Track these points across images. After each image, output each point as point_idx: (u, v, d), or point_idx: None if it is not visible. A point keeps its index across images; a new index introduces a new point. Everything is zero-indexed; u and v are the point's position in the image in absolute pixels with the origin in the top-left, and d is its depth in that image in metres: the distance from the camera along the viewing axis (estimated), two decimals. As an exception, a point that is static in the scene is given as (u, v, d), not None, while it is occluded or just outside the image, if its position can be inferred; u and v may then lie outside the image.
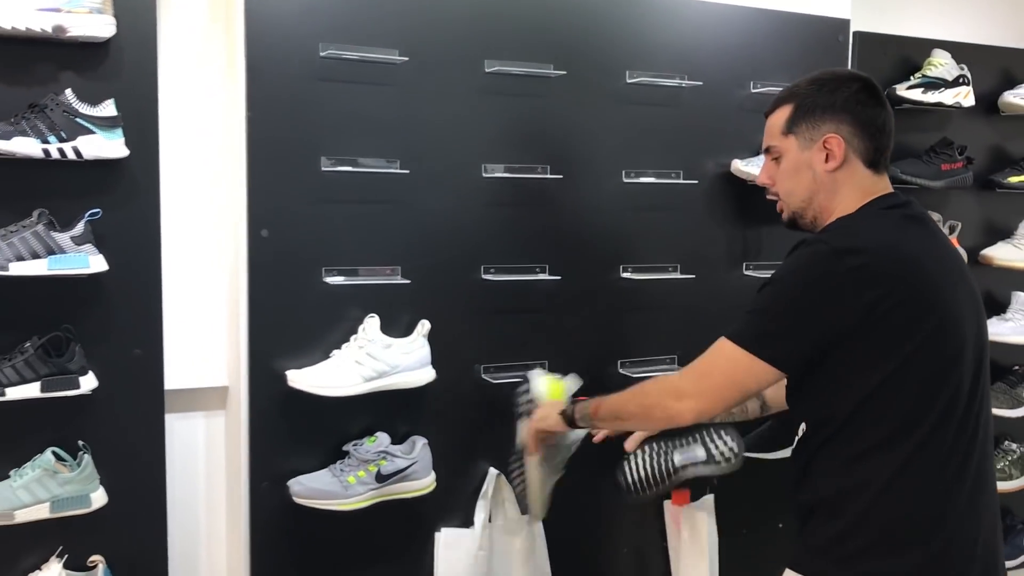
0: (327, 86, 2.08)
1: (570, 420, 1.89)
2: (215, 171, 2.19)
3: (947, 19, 3.20)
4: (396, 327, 2.15)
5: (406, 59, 2.12)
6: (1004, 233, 3.16)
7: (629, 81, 2.38)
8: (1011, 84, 3.11)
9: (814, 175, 1.66)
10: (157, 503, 2.10)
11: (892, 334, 1.51)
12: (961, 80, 2.91)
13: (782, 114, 1.69)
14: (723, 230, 2.55)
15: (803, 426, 1.70)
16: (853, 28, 2.78)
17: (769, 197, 1.76)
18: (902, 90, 2.85)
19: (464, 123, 2.22)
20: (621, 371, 2.42)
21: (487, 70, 2.22)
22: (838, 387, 1.56)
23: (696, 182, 2.47)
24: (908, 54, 2.99)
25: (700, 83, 2.44)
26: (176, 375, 2.12)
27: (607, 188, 2.38)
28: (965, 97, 2.93)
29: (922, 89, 2.85)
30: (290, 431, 2.10)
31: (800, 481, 1.64)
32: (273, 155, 2.05)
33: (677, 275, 2.46)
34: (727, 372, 1.58)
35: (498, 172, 2.24)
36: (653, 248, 2.45)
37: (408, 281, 2.15)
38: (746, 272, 2.57)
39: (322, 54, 2.06)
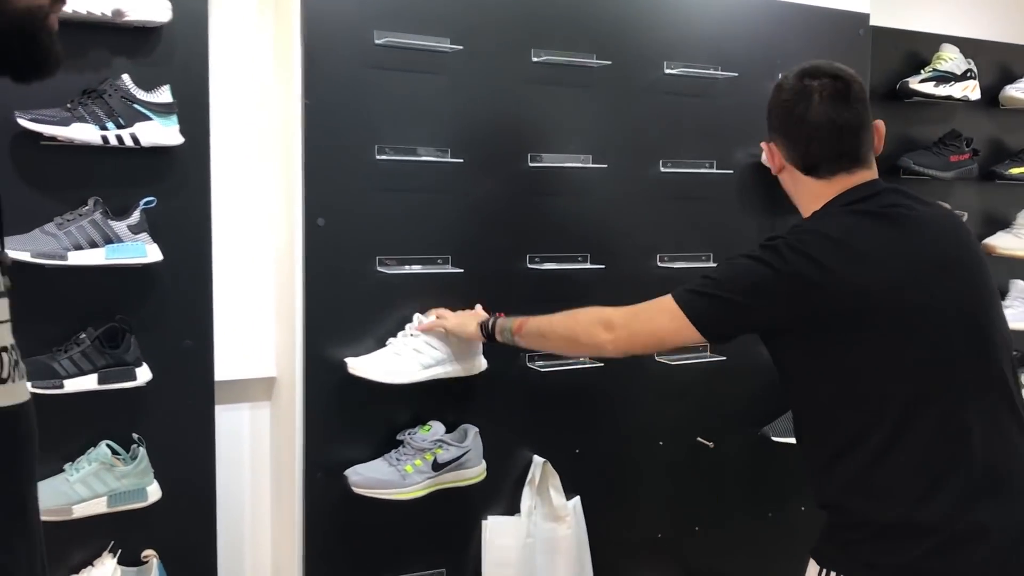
0: (381, 74, 2.07)
1: (488, 333, 1.96)
2: (266, 160, 2.16)
3: (944, 14, 3.28)
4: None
5: (459, 48, 2.12)
6: (1004, 223, 3.26)
7: (667, 72, 2.40)
8: (1010, 78, 3.21)
9: (781, 176, 1.74)
10: (207, 497, 2.07)
11: (826, 336, 1.53)
12: (968, 74, 3.00)
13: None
14: (754, 220, 2.59)
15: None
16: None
17: None
18: (915, 83, 2.92)
19: (511, 112, 2.22)
20: (658, 360, 2.44)
21: (534, 59, 2.22)
22: (793, 386, 1.63)
23: (731, 171, 2.50)
24: (917, 48, 3.07)
25: (735, 74, 2.48)
26: (224, 366, 2.09)
27: (645, 177, 2.41)
28: (972, 91, 3.02)
29: (934, 83, 2.93)
30: (343, 421, 2.09)
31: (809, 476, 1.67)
32: (329, 143, 2.03)
33: (710, 263, 2.50)
34: (655, 318, 1.69)
35: (543, 162, 2.25)
36: (687, 237, 2.49)
37: (460, 270, 2.15)
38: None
39: (377, 42, 2.05)
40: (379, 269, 2.09)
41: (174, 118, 1.92)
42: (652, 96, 2.40)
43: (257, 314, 2.19)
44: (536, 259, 2.26)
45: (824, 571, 1.58)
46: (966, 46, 3.05)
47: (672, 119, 2.44)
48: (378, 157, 2.07)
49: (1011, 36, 3.29)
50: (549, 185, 2.28)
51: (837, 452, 1.56)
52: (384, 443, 2.13)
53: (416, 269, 2.12)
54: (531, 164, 2.24)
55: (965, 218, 3.07)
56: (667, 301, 1.66)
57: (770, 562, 2.65)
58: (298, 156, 2.02)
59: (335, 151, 2.04)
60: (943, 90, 2.93)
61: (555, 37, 2.25)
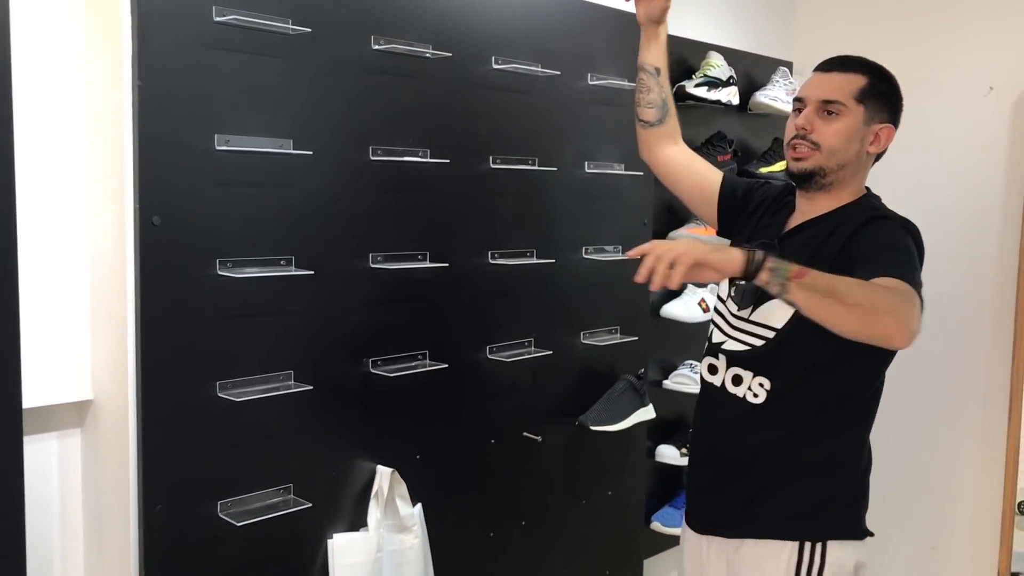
0: (221, 55, 1.85)
1: (756, 265, 1.56)
2: (79, 150, 1.85)
3: (696, 21, 3.54)
4: (291, 315, 1.99)
5: (306, 30, 1.95)
6: (751, 217, 3.59)
7: (495, 67, 2.37)
8: (756, 85, 3.54)
9: (860, 150, 1.88)
10: (15, 546, 1.74)
11: None
12: (731, 80, 3.26)
13: (856, 80, 1.85)
14: (575, 216, 2.64)
15: (767, 388, 1.89)
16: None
17: (795, 142, 1.88)
18: (691, 87, 3.13)
19: (353, 101, 2.08)
20: (489, 356, 2.42)
21: (375, 47, 2.10)
22: (863, 361, 1.79)
23: (554, 168, 2.53)
24: (684, 54, 3.28)
25: (557, 72, 2.50)
26: (30, 391, 1.77)
27: (476, 173, 2.37)
28: (734, 96, 3.29)
29: (707, 87, 3.15)
30: (187, 445, 1.86)
31: (781, 445, 1.85)
32: (165, 131, 1.78)
33: (533, 260, 2.52)
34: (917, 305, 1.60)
35: (384, 155, 2.13)
36: (513, 233, 2.48)
37: (309, 272, 1.99)
38: (585, 256, 2.68)
39: (217, 19, 1.83)
40: (220, 273, 1.87)
41: (-24, 98, 1.59)
42: (481, 91, 2.36)
43: (68, 329, 1.87)
44: (378, 258, 2.15)
45: (812, 545, 1.85)
46: (726, 55, 3.32)
47: (498, 115, 2.41)
48: (218, 148, 1.85)
49: (750, 46, 3.63)
50: (390, 180, 2.17)
51: (861, 415, 1.90)
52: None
53: (259, 272, 1.92)
54: (372, 158, 2.12)
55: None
56: (905, 286, 1.58)
57: (583, 546, 2.74)
58: (128, 146, 1.75)
59: (171, 140, 1.79)
60: (714, 95, 3.16)
61: (394, 24, 2.14)
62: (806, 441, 1.89)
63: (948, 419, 3.55)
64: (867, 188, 1.96)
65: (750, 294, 1.93)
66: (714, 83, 3.18)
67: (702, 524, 2.05)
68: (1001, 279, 3.42)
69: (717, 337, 2.03)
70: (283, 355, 2.00)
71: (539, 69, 2.47)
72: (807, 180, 1.89)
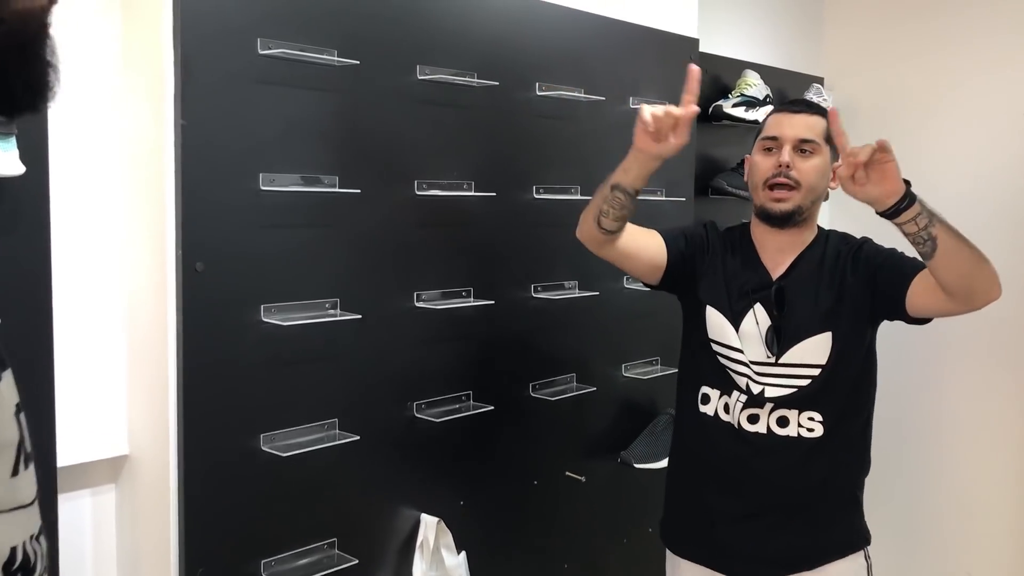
0: (266, 90, 1.75)
1: (911, 194, 1.71)
2: (117, 192, 1.75)
3: (730, 37, 3.45)
4: (336, 359, 1.89)
5: (353, 62, 1.84)
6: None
7: (539, 94, 2.28)
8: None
9: (826, 187, 1.99)
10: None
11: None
12: (768, 99, 3.17)
13: (820, 122, 1.96)
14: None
15: (800, 422, 1.97)
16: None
17: (776, 180, 1.92)
18: (728, 107, 3.04)
19: (399, 134, 1.99)
20: (533, 395, 2.33)
21: (420, 77, 2.00)
22: (868, 376, 2.02)
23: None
24: (717, 71, 3.19)
25: (603, 98, 2.41)
26: (64, 448, 1.67)
27: (520, 204, 2.27)
28: (770, 115, 3.20)
29: (744, 107, 3.06)
30: (232, 504, 1.76)
31: (846, 466, 2.02)
32: (209, 173, 1.68)
33: (575, 292, 2.42)
34: None
35: (430, 190, 2.04)
36: (559, 265, 2.39)
37: (357, 316, 1.88)
38: (627, 286, 2.59)
39: (262, 52, 1.73)
40: (265, 319, 1.77)
41: (13, 140, 1.48)
42: (525, 118, 2.26)
43: (103, 383, 1.77)
44: (423, 297, 2.05)
45: (866, 548, 2.05)
46: (761, 72, 3.23)
47: (542, 142, 2.32)
48: (263, 188, 1.75)
49: (780, 62, 3.54)
50: (435, 215, 2.07)
51: (868, 433, 2.06)
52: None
53: (305, 319, 1.82)
54: (418, 192, 2.02)
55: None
56: None
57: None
58: (170, 188, 1.65)
59: (215, 181, 1.69)
60: (751, 114, 3.07)
61: (440, 53, 2.04)
62: (859, 456, 2.05)
63: (984, 443, 3.47)
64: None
65: (777, 338, 1.98)
66: (751, 103, 3.09)
67: (766, 569, 2.01)
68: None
69: (754, 387, 2.00)
70: (328, 402, 1.90)
71: (582, 95, 2.37)
72: (787, 220, 1.96)
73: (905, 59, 3.62)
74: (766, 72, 3.27)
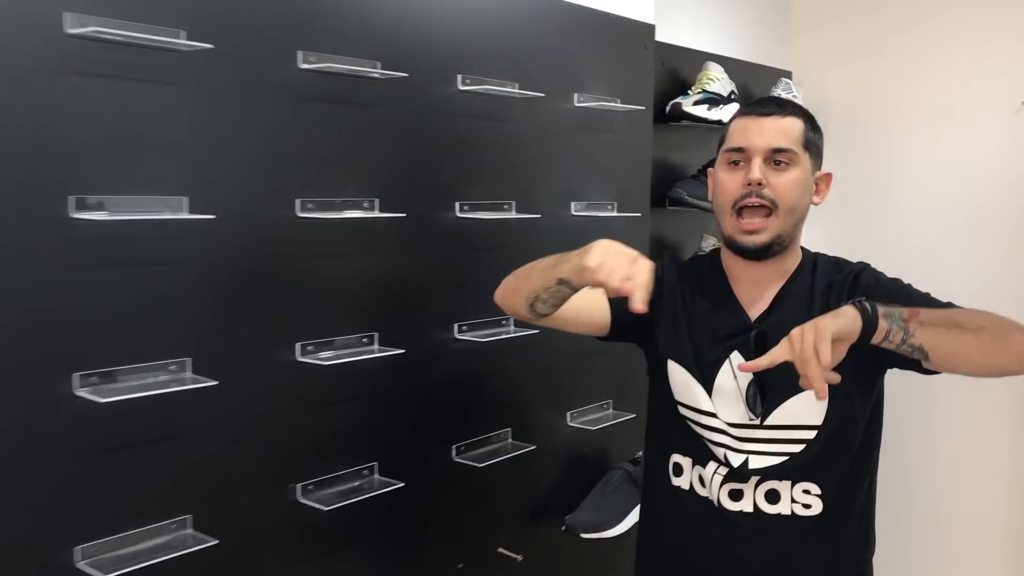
0: (77, 83, 1.29)
1: (872, 315, 1.37)
2: None
3: (687, 26, 3.05)
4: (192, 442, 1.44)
5: (209, 46, 1.39)
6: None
7: (461, 88, 1.84)
8: (752, 100, 3.05)
9: (808, 203, 1.62)
10: None
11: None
12: (732, 96, 2.77)
13: (796, 124, 1.58)
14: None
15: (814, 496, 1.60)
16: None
17: (747, 202, 1.54)
18: (687, 105, 2.63)
19: (274, 142, 1.54)
20: (457, 459, 1.89)
21: (302, 66, 1.55)
22: (873, 435, 1.66)
23: (539, 216, 2.00)
24: (676, 64, 2.79)
25: (542, 94, 1.98)
26: None
27: (440, 225, 1.84)
28: (735, 114, 2.79)
29: (707, 106, 2.66)
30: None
31: (852, 541, 1.66)
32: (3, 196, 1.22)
33: (511, 330, 1.99)
34: None
35: (320, 211, 1.59)
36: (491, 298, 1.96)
37: (214, 382, 1.43)
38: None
39: (71, 31, 1.27)
40: (79, 393, 1.31)
41: None
42: (444, 119, 1.82)
43: None
44: (308, 348, 1.60)
45: None
46: (729, 66, 2.83)
47: (466, 148, 1.88)
48: (74, 215, 1.29)
49: (745, 54, 3.14)
50: (323, 242, 1.63)
51: (872, 501, 1.70)
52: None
53: (137, 390, 1.36)
54: (300, 214, 1.57)
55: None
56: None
57: None
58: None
59: (9, 205, 1.23)
60: (714, 113, 2.67)
61: (329, 37, 1.60)
62: (864, 532, 1.69)
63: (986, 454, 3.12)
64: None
65: (760, 395, 1.59)
66: (714, 100, 2.68)
67: None
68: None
69: (734, 457, 1.61)
70: (172, 497, 1.44)
71: (516, 90, 1.94)
72: (763, 254, 1.58)
73: (878, 52, 3.26)
74: (730, 65, 2.87)
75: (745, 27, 3.24)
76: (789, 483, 1.59)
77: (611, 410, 2.30)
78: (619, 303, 1.67)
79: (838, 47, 3.37)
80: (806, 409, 1.56)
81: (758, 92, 3.09)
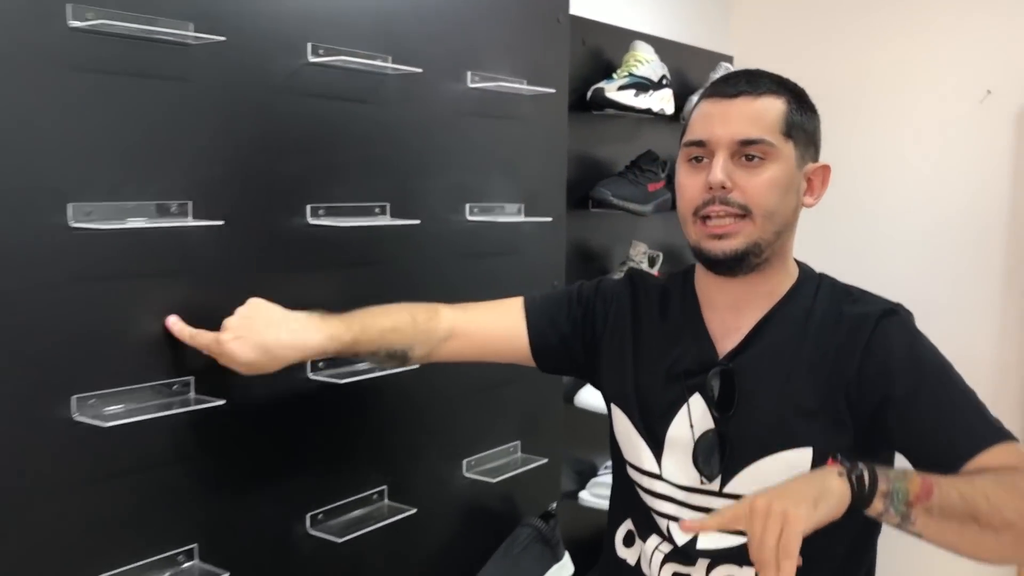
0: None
1: (868, 492, 1.04)
2: None
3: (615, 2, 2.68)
4: None
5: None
6: (686, 260, 2.76)
7: (312, 60, 1.44)
8: (688, 87, 2.70)
9: (796, 205, 1.27)
10: None
11: None
12: (664, 81, 2.41)
13: (775, 105, 1.23)
14: (443, 288, 1.73)
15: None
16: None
17: (710, 210, 1.22)
18: (612, 91, 2.26)
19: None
20: (312, 531, 1.49)
21: (73, 23, 1.14)
22: None
23: (418, 222, 1.61)
24: (600, 44, 2.41)
25: (420, 70, 1.58)
26: None
27: (283, 234, 1.43)
28: (668, 102, 2.44)
29: (634, 91, 2.28)
30: None
31: None
32: None
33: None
34: None
35: (90, 221, 1.18)
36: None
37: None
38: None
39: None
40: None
41: None
42: (290, 99, 1.42)
43: None
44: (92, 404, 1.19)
45: None
46: (660, 47, 2.47)
47: (321, 137, 1.48)
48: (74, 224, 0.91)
49: (678, 34, 2.78)
50: (107, 258, 1.22)
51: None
52: None
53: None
54: (75, 224, 1.16)
55: (660, 259, 2.53)
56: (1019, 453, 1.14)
57: None
58: None
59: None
60: (642, 100, 2.30)
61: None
62: None
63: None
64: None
65: (720, 452, 1.24)
66: (643, 85, 2.31)
67: None
68: (1010, 296, 2.70)
69: (678, 533, 1.27)
70: None
71: (388, 64, 1.54)
72: (737, 265, 1.24)
73: (829, 37, 2.94)
74: (662, 47, 2.51)
75: (681, 5, 2.89)
76: (752, 572, 1.21)
77: (519, 454, 1.92)
78: (544, 332, 1.41)
79: (784, 31, 3.04)
80: (781, 474, 1.17)
81: (694, 78, 2.74)
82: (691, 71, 2.73)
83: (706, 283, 1.32)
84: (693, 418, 1.26)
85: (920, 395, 1.18)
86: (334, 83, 1.48)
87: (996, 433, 1.16)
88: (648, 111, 2.33)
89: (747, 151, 1.21)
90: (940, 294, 2.68)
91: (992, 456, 1.12)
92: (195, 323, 1.26)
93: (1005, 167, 2.69)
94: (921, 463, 1.16)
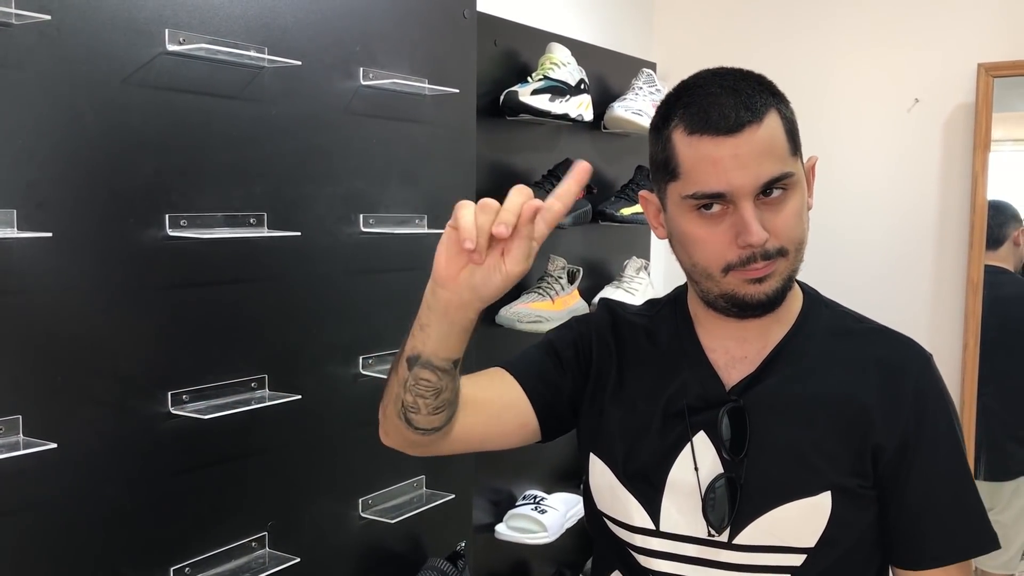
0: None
1: None
2: None
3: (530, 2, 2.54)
4: None
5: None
6: (609, 276, 2.62)
7: (170, 49, 1.26)
8: (608, 94, 2.57)
9: (808, 215, 1.10)
10: None
11: None
12: (583, 86, 2.27)
13: (775, 123, 1.05)
14: (332, 310, 1.55)
15: None
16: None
17: (755, 267, 1.04)
18: (526, 95, 2.10)
19: None
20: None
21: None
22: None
23: (298, 234, 1.43)
24: (514, 46, 2.26)
25: (297, 63, 1.41)
26: None
27: (142, 249, 1.24)
28: (586, 108, 2.30)
29: (549, 96, 2.14)
30: None
31: None
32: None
33: (265, 395, 1.41)
34: None
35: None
36: (226, 357, 1.37)
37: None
38: (364, 371, 1.60)
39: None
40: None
41: None
42: (146, 94, 1.23)
43: None
44: None
45: None
46: (576, 50, 2.33)
47: (183, 139, 1.30)
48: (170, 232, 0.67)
49: (598, 39, 2.65)
50: None
51: None
52: None
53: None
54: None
55: (581, 275, 2.38)
56: None
57: None
58: None
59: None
60: (558, 106, 2.15)
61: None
62: None
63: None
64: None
65: (730, 499, 1.09)
66: (559, 89, 2.17)
67: None
68: (942, 314, 2.61)
69: None
70: None
71: (265, 56, 1.37)
72: (775, 305, 1.08)
73: (752, 44, 2.83)
74: (581, 50, 2.37)
75: (602, 8, 2.76)
76: None
77: (423, 489, 1.74)
78: (545, 396, 1.19)
79: (710, 37, 2.93)
80: (794, 526, 1.07)
81: (616, 84, 2.61)
82: (612, 77, 2.60)
83: (707, 314, 1.14)
84: (698, 460, 1.10)
85: (933, 477, 1.09)
86: (198, 76, 1.30)
87: (976, 543, 1.10)
88: (565, 117, 2.18)
89: (771, 187, 1.03)
90: (870, 299, 2.58)
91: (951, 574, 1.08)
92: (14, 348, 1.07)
93: (933, 174, 2.61)
94: (892, 536, 1.10)
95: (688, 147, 1.03)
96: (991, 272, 2.55)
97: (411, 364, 0.99)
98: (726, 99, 1.03)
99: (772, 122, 1.04)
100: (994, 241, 2.60)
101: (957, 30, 2.56)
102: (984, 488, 2.54)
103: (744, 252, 1.02)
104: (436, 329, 0.98)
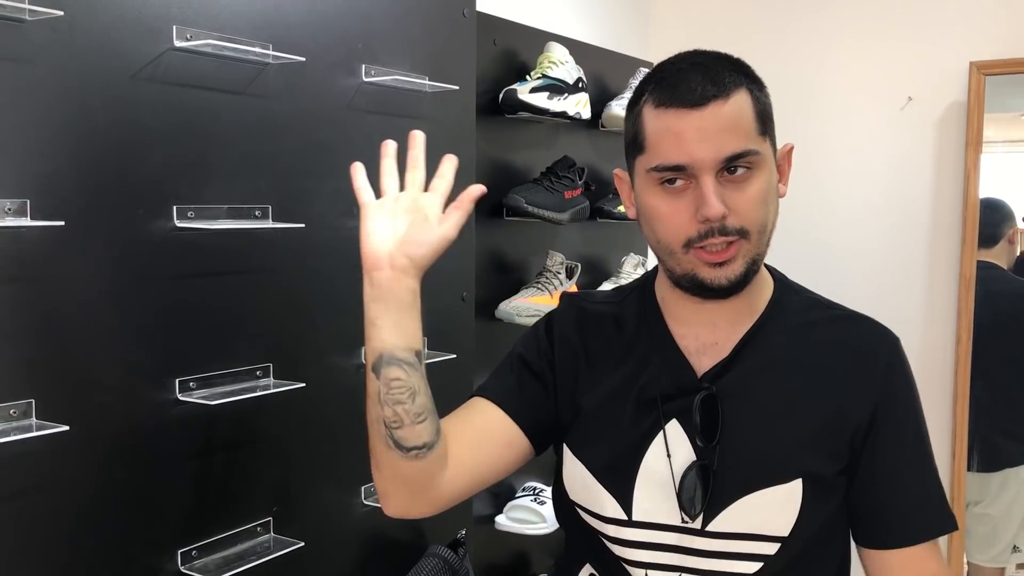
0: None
1: None
2: None
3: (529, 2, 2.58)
4: None
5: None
6: (606, 271, 2.66)
7: (177, 45, 1.30)
8: (606, 93, 2.61)
9: (777, 201, 1.12)
10: None
11: None
12: (580, 85, 2.31)
13: (744, 100, 1.06)
14: (334, 305, 1.58)
15: None
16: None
17: (710, 242, 1.05)
18: (524, 93, 2.14)
19: None
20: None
21: None
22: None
23: (303, 225, 1.46)
24: (513, 45, 2.30)
25: (301, 59, 1.44)
26: None
27: (148, 240, 1.28)
28: (584, 106, 2.34)
29: (548, 94, 2.18)
30: None
31: None
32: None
33: (269, 384, 1.45)
34: None
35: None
36: (230, 348, 1.41)
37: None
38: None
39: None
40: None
41: None
42: (153, 88, 1.27)
43: None
44: None
45: None
46: (574, 49, 2.36)
47: (185, 132, 1.33)
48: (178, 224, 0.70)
49: (597, 38, 2.70)
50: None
51: None
52: None
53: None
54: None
55: (579, 271, 2.42)
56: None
57: None
58: None
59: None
60: (557, 104, 2.19)
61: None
62: None
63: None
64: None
65: (703, 486, 1.10)
66: (557, 87, 2.21)
67: None
68: (935, 309, 2.65)
69: None
70: None
71: (269, 52, 1.41)
72: (738, 289, 1.09)
73: (748, 45, 2.84)
74: (579, 49, 2.41)
75: (599, 8, 2.80)
76: None
77: (424, 478, 1.78)
78: (526, 409, 1.20)
79: (706, 37, 2.93)
80: (767, 513, 1.09)
81: (613, 83, 2.65)
82: (609, 76, 2.64)
83: (675, 298, 1.16)
84: (671, 448, 1.12)
85: (899, 455, 1.12)
86: (205, 71, 1.33)
87: (939, 523, 1.13)
88: (564, 115, 2.22)
89: (734, 164, 1.04)
90: (863, 294, 2.62)
91: (919, 554, 1.11)
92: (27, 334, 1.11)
93: (926, 171, 2.65)
94: (858, 515, 1.14)
95: (655, 120, 1.06)
96: (982, 268, 2.59)
97: (377, 369, 1.02)
98: (694, 75, 1.05)
99: (740, 100, 1.05)
100: (990, 239, 2.64)
101: (950, 29, 2.60)
102: (972, 479, 2.60)
103: (703, 227, 1.04)
104: (386, 318, 1.02)
